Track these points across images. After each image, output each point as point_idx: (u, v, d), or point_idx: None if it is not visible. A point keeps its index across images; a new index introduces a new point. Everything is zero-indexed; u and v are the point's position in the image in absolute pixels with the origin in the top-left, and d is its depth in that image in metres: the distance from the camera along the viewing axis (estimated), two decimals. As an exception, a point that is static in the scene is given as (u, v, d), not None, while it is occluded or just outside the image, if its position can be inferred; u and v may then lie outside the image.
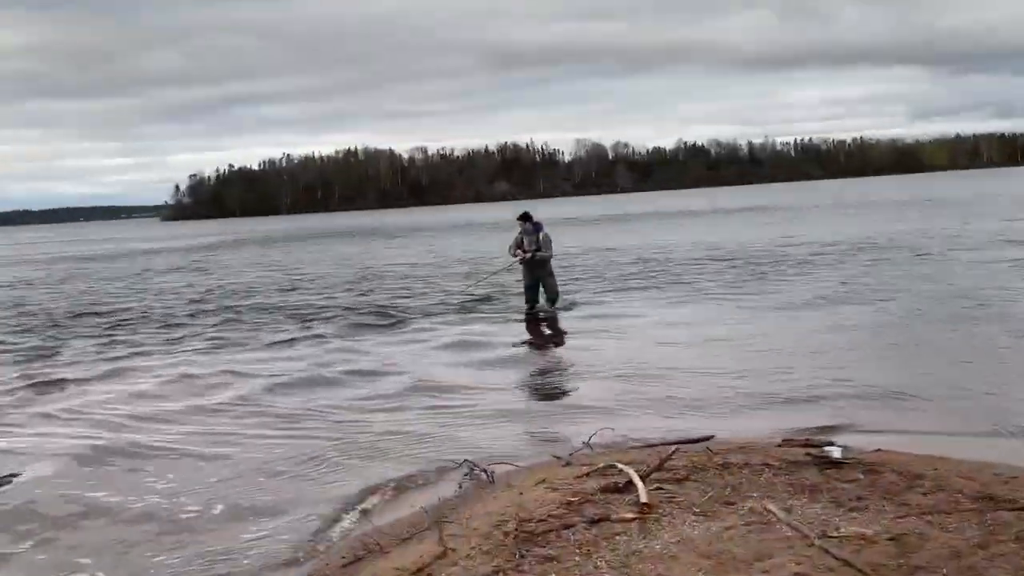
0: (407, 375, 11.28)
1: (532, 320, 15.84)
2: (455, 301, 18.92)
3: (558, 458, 7.41)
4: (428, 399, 10.04)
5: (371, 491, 6.95)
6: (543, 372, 11.37)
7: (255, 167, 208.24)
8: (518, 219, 16.69)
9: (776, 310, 15.10)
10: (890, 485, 5.90)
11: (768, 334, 12.81)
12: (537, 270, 16.49)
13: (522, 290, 16.94)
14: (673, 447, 6.65)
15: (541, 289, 16.65)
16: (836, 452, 6.63)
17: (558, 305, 16.53)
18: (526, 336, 14.45)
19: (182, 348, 14.46)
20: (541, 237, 16.34)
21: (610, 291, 19.13)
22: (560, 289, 17.19)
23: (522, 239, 16.51)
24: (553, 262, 17.04)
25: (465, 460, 7.27)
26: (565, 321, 15.48)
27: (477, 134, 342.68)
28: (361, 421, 9.18)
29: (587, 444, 7.71)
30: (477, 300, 18.76)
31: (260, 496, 7.00)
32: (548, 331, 14.96)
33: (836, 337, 12.28)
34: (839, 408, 8.71)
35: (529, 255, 16.39)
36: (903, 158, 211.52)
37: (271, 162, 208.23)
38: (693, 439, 7.68)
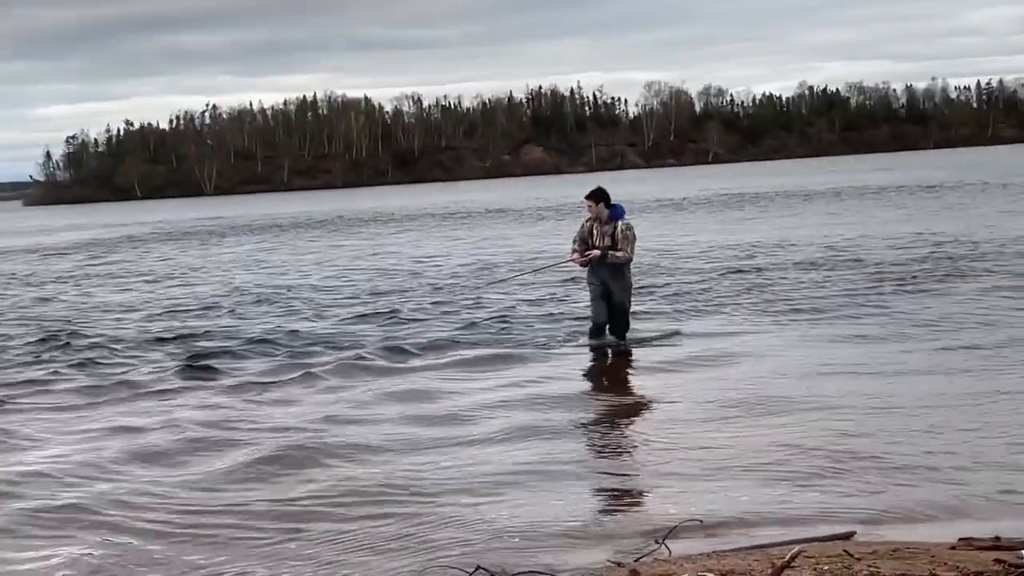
0: (367, 447, 11.39)
1: (596, 355, 16.04)
2: (457, 325, 19.12)
3: (619, 565, 7.41)
4: (422, 482, 10.10)
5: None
6: (594, 437, 11.46)
7: (164, 125, 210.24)
8: (586, 198, 16.46)
9: (962, 350, 15.12)
10: (1124, 609, 5.87)
11: (941, 383, 12.96)
12: (608, 279, 16.22)
13: (588, 308, 16.90)
14: (795, 549, 6.63)
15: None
16: (1041, 558, 6.61)
17: (629, 337, 16.42)
18: (576, 378, 14.59)
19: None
20: (619, 229, 16.07)
21: (703, 314, 19.32)
22: (635, 310, 17.01)
23: (591, 228, 16.30)
24: (633, 270, 16.81)
25: (479, 568, 7.28)
26: (641, 358, 15.71)
27: (495, 75, 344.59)
28: (316, 514, 9.23)
29: (662, 542, 7.69)
30: (503, 323, 19.01)
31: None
32: (611, 373, 15.14)
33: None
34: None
35: (595, 255, 16.09)
36: None
37: (188, 118, 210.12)
38: (824, 537, 7.66)
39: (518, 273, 22.13)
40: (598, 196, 16.20)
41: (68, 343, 19.17)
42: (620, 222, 16.06)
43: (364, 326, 19.81)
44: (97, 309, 25.19)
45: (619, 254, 15.96)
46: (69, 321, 22.93)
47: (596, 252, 16.03)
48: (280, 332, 19.35)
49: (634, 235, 16.18)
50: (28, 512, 9.38)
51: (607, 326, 16.39)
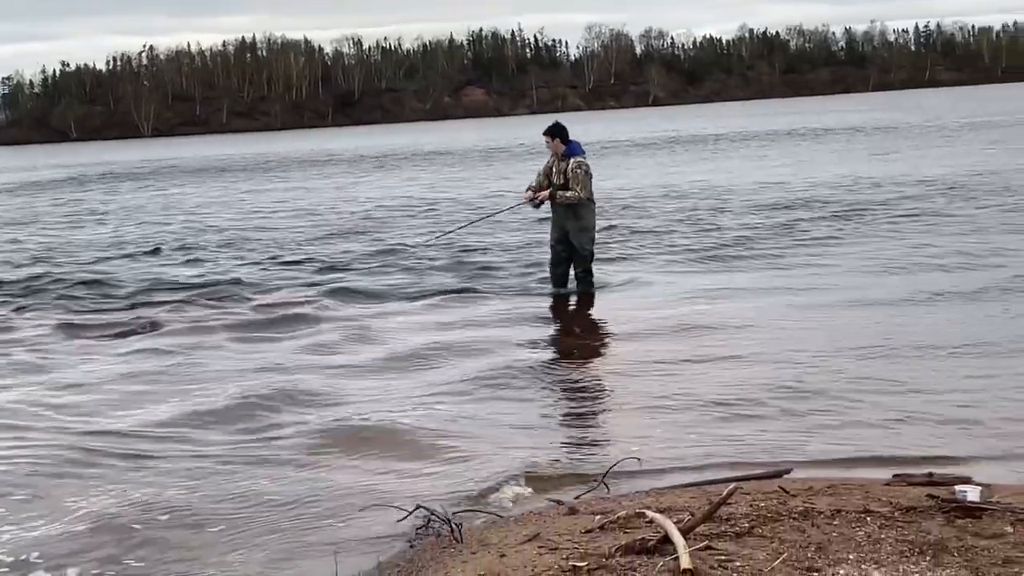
0: (330, 389, 11.38)
1: (555, 300, 15.87)
2: (410, 270, 19.03)
3: (558, 503, 7.44)
4: (365, 423, 10.08)
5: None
6: (540, 377, 11.48)
7: (101, 67, 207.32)
8: (544, 134, 15.86)
9: (895, 289, 15.31)
10: (1053, 542, 5.95)
11: (873, 324, 13.11)
12: (564, 220, 15.69)
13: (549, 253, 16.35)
14: (731, 486, 6.68)
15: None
16: (973, 492, 6.67)
17: (593, 275, 15.98)
18: (529, 323, 14.54)
19: None
20: (570, 168, 15.46)
21: (651, 258, 19.34)
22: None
23: (551, 167, 15.72)
24: (594, 209, 15.97)
25: (419, 507, 7.29)
26: (598, 304, 15.63)
27: (436, 16, 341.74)
28: (262, 459, 9.20)
29: (602, 481, 7.74)
30: (463, 269, 19.00)
31: None
32: (564, 318, 15.11)
33: (969, 326, 12.55)
34: (974, 428, 8.86)
35: (543, 195, 15.57)
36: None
37: (126, 59, 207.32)
38: (760, 474, 7.72)
39: (465, 223, 21.95)
40: (553, 131, 15.61)
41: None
42: (572, 160, 15.46)
43: (312, 271, 19.68)
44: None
45: (568, 194, 15.35)
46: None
47: (544, 192, 15.56)
48: (226, 277, 19.23)
49: (586, 173, 15.41)
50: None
51: (567, 270, 15.98)
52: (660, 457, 8.46)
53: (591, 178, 15.56)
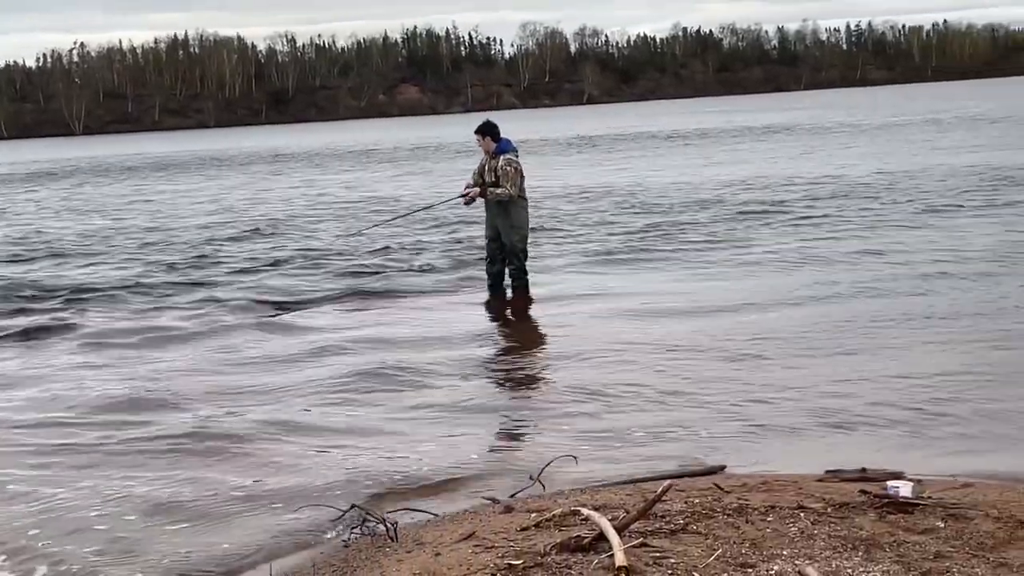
0: (258, 388, 11.36)
1: (490, 298, 15.82)
2: (341, 266, 18.98)
3: (494, 501, 7.44)
4: (295, 419, 10.09)
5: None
6: (474, 378, 11.48)
7: (31, 64, 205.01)
8: (475, 132, 15.78)
9: (818, 284, 15.46)
10: (984, 537, 6.02)
11: (804, 320, 13.25)
12: (496, 218, 15.65)
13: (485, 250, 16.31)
14: (665, 483, 6.70)
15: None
16: (905, 488, 6.73)
17: (527, 274, 15.86)
18: (462, 321, 14.52)
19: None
20: (500, 165, 15.34)
21: (583, 256, 19.36)
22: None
23: (484, 165, 15.67)
24: (527, 207, 15.89)
25: (354, 506, 7.27)
26: (533, 301, 15.59)
27: (370, 14, 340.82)
28: (188, 454, 9.14)
29: (537, 479, 7.74)
30: (394, 267, 18.92)
31: None
32: (498, 315, 15.10)
33: (903, 327, 12.72)
34: (905, 425, 8.95)
35: (474, 192, 15.59)
36: (1009, 54, 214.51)
37: (56, 56, 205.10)
38: (694, 471, 7.75)
39: (392, 217, 21.92)
40: (483, 130, 15.51)
41: None
42: (502, 157, 15.37)
43: (244, 269, 19.56)
44: None
45: (498, 191, 15.30)
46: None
47: (475, 190, 15.57)
48: (153, 279, 19.11)
49: (516, 170, 15.34)
50: None
51: (502, 268, 15.88)
52: (595, 455, 8.48)
53: (521, 175, 15.49)
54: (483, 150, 15.69)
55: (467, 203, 16.14)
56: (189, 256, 21.68)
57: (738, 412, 9.48)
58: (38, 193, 46.05)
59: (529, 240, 16.06)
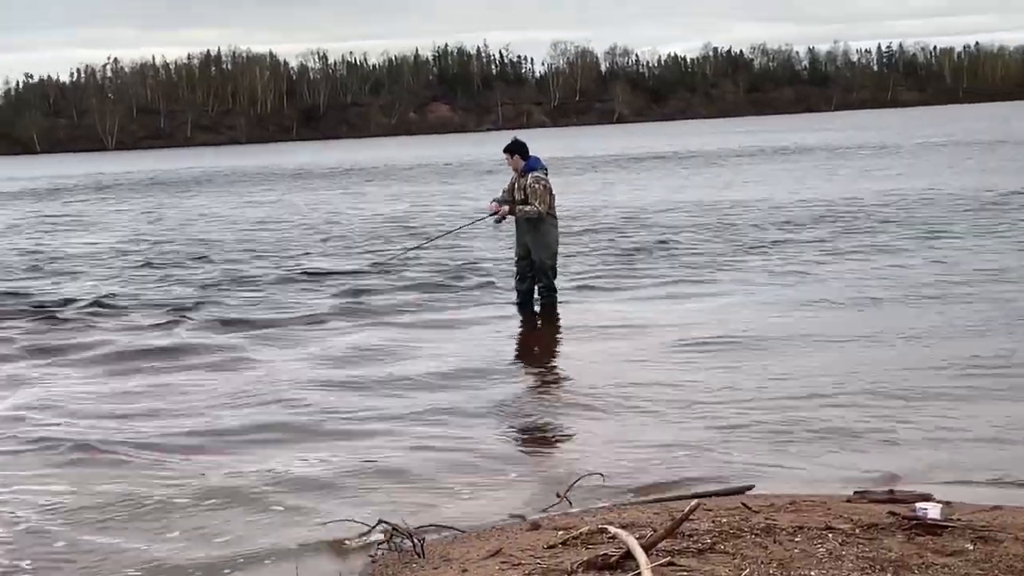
0: (285, 398, 11.35)
1: (521, 315, 15.79)
2: (368, 284, 18.99)
3: (521, 518, 7.42)
4: (322, 431, 10.11)
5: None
6: (503, 394, 11.42)
7: (65, 79, 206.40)
8: (504, 151, 15.85)
9: (845, 305, 15.42)
10: (1014, 560, 5.97)
11: (835, 339, 13.20)
12: (525, 235, 15.68)
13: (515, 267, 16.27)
14: (693, 502, 6.68)
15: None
16: (934, 510, 6.69)
17: (556, 291, 15.92)
18: (493, 337, 14.51)
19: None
20: (528, 183, 15.35)
21: (612, 274, 19.34)
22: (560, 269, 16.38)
23: (513, 184, 15.71)
24: (556, 225, 15.92)
25: (381, 521, 7.26)
26: (562, 319, 15.56)
27: (402, 31, 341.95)
28: (220, 464, 9.14)
29: (564, 497, 7.73)
30: (424, 284, 18.90)
31: None
32: (528, 332, 15.06)
33: (936, 348, 12.68)
34: (935, 446, 8.91)
35: (503, 211, 15.54)
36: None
37: (90, 72, 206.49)
38: (722, 490, 7.72)
39: (425, 241, 21.90)
40: (512, 149, 15.55)
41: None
42: (531, 175, 15.37)
43: (285, 286, 19.52)
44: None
45: (527, 209, 15.29)
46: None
47: (504, 208, 15.54)
48: (209, 292, 19.20)
49: (544, 188, 15.33)
50: None
51: (530, 286, 15.91)
52: (623, 472, 8.45)
53: (550, 193, 15.48)
54: (512, 168, 15.72)
55: (496, 222, 16.11)
56: (217, 270, 21.77)
57: (766, 431, 9.44)
58: (91, 205, 46.31)
59: (559, 258, 16.08)
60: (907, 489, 7.50)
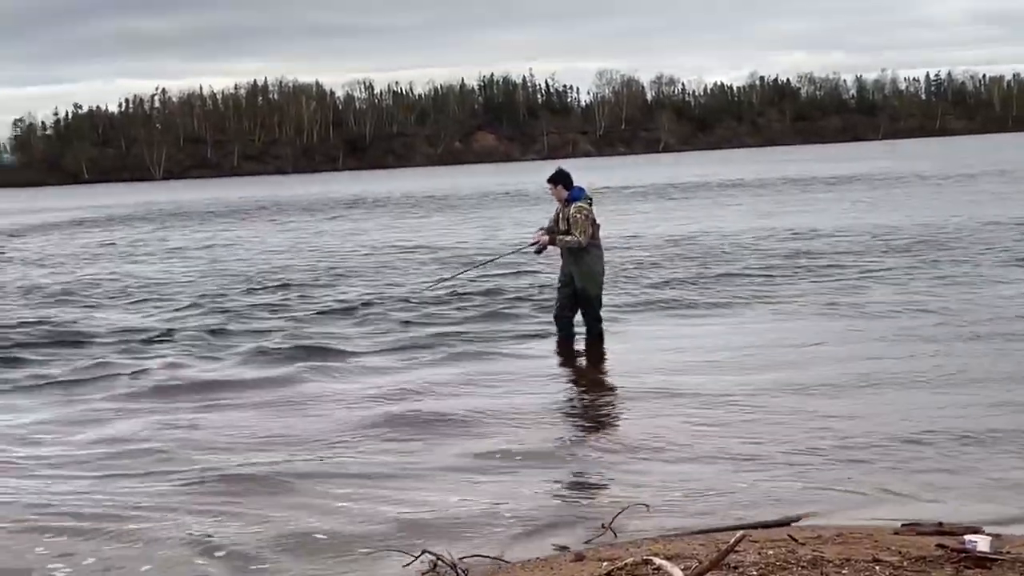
0: (328, 436, 11.38)
1: (562, 344, 15.79)
2: (408, 315, 18.99)
3: (565, 549, 7.41)
4: (368, 460, 10.15)
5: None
6: (547, 424, 11.46)
7: (113, 109, 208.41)
8: (548, 182, 15.93)
9: (897, 339, 15.32)
10: (1063, 593, 5.92)
11: (877, 370, 13.14)
12: (569, 265, 15.68)
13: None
14: (738, 533, 6.66)
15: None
16: (983, 543, 6.64)
17: (601, 322, 15.90)
18: (537, 366, 14.52)
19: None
20: (571, 213, 15.37)
21: (657, 304, 19.30)
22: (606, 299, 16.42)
23: (558, 214, 15.65)
24: (601, 255, 15.86)
25: (425, 552, 7.27)
26: (607, 347, 15.56)
27: (447, 61, 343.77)
28: (257, 495, 9.18)
29: (609, 528, 7.71)
30: (476, 313, 18.98)
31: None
32: (572, 361, 15.09)
33: (993, 383, 12.55)
34: (983, 477, 8.85)
35: (544, 240, 15.58)
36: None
37: (138, 102, 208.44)
38: (769, 522, 7.68)
39: (467, 268, 21.89)
40: (556, 179, 15.65)
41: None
42: (573, 205, 15.41)
43: (330, 318, 19.54)
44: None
45: (568, 238, 15.31)
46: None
47: (545, 238, 15.58)
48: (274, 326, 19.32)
49: (586, 217, 15.32)
50: None
51: (572, 316, 15.89)
52: (668, 503, 8.44)
53: (593, 222, 15.47)
54: (555, 198, 15.77)
55: (537, 252, 16.10)
56: (250, 303, 21.86)
57: (813, 462, 9.40)
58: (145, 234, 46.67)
59: (604, 287, 16.09)
60: (956, 521, 7.45)
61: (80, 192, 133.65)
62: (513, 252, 20.04)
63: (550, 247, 15.68)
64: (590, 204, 15.58)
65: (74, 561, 7.73)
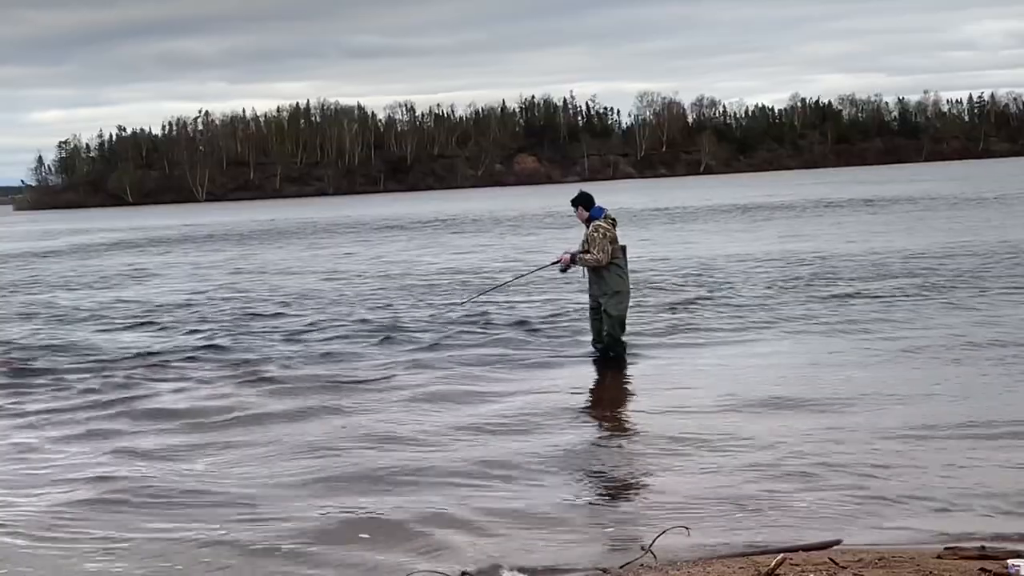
0: (360, 445, 11.47)
1: (596, 363, 15.87)
2: (435, 336, 18.99)
3: (604, 572, 7.40)
4: (396, 480, 10.18)
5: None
6: (582, 446, 11.43)
7: (156, 131, 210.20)
8: (572, 204, 16.27)
9: (934, 359, 15.22)
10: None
11: (920, 395, 13.08)
12: (592, 284, 15.99)
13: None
14: (779, 556, 6.63)
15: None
16: (1026, 567, 6.60)
17: (622, 342, 16.05)
18: (571, 386, 14.52)
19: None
20: (589, 232, 15.69)
21: (690, 324, 19.25)
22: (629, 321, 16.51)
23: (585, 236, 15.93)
24: (623, 274, 16.00)
25: (464, 574, 7.27)
26: (637, 367, 15.62)
27: (488, 83, 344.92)
28: (296, 516, 9.21)
29: (648, 550, 7.69)
30: (506, 332, 19.03)
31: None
32: (604, 380, 15.10)
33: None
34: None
35: (565, 259, 15.89)
36: None
37: (181, 124, 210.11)
38: (809, 545, 7.65)
39: (495, 285, 21.96)
40: (577, 201, 16.03)
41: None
42: (592, 224, 15.73)
43: (369, 340, 19.57)
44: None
45: (586, 257, 15.63)
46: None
47: (566, 256, 15.91)
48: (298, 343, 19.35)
49: (604, 236, 15.59)
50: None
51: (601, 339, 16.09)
52: (708, 526, 8.41)
53: (612, 241, 15.67)
54: (580, 220, 16.08)
55: (561, 271, 16.43)
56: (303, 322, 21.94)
57: (854, 484, 9.35)
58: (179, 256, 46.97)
59: (629, 307, 16.23)
60: (998, 546, 7.39)
61: (125, 214, 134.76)
62: (537, 270, 20.21)
63: (573, 266, 15.94)
64: (612, 224, 15.86)
65: None
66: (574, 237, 17.71)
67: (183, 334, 20.78)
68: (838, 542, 7.73)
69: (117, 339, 20.40)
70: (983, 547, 7.32)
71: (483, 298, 21.85)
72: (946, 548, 7.41)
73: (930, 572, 6.73)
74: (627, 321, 16.31)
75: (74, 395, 15.02)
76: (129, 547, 8.57)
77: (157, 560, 8.25)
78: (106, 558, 8.36)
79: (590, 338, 16.44)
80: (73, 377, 16.31)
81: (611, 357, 15.89)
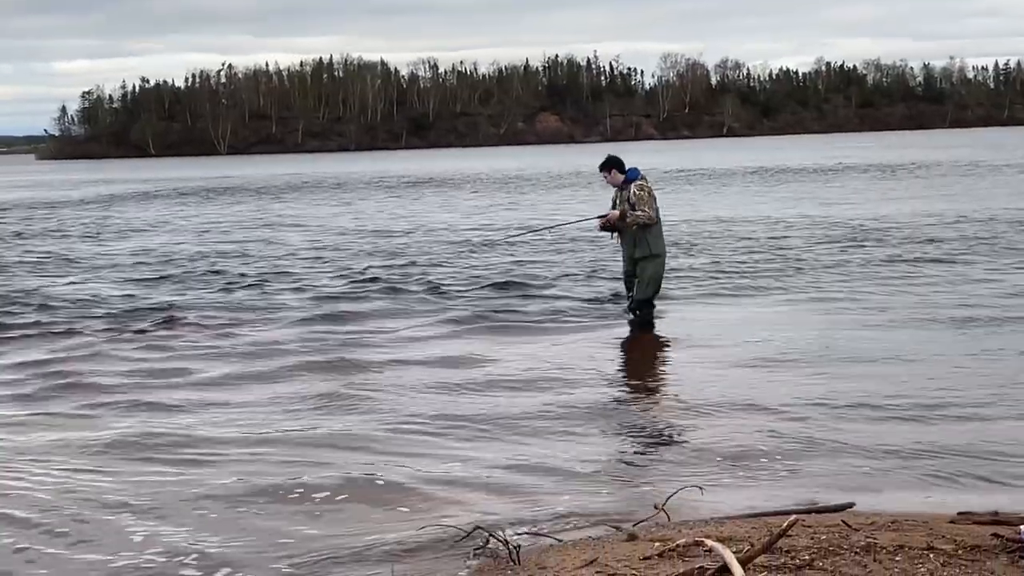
0: (380, 405, 11.49)
1: (629, 326, 15.81)
2: (468, 291, 19.06)
3: (617, 529, 7.41)
4: (415, 436, 10.21)
5: None
6: (603, 404, 11.43)
7: (179, 83, 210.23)
8: (600, 169, 15.99)
9: (956, 323, 15.17)
10: (1121, 586, 5.86)
11: (941, 358, 13.03)
12: (632, 248, 15.65)
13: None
14: (792, 517, 6.63)
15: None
16: (1040, 533, 6.59)
17: (652, 303, 15.87)
18: (596, 347, 14.51)
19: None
20: (633, 192, 15.33)
21: (719, 285, 19.24)
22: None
23: (615, 200, 15.74)
24: (665, 237, 16.08)
25: (477, 528, 7.29)
26: (665, 330, 15.57)
27: (512, 41, 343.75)
28: (316, 462, 9.24)
29: (661, 508, 7.70)
30: (521, 289, 19.06)
31: None
32: (631, 343, 15.04)
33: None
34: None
35: (614, 215, 15.49)
36: None
37: (204, 76, 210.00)
38: (822, 507, 7.65)
39: (528, 230, 21.98)
40: (609, 164, 15.65)
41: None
42: (634, 184, 15.40)
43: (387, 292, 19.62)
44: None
45: (638, 213, 15.26)
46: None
47: (615, 212, 15.50)
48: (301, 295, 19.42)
49: (650, 194, 15.40)
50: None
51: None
52: (721, 486, 8.43)
53: (655, 199, 15.54)
54: (611, 184, 15.81)
55: (602, 228, 15.99)
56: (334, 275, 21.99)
57: (869, 449, 9.34)
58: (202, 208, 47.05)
59: (665, 269, 16.19)
60: (1011, 511, 7.39)
61: (146, 165, 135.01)
62: (578, 221, 20.11)
63: (613, 231, 15.73)
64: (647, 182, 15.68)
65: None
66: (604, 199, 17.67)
67: (203, 287, 20.84)
68: (851, 505, 7.73)
69: (131, 291, 20.46)
70: (996, 512, 7.32)
71: (515, 259, 21.80)
72: (959, 513, 7.42)
73: (942, 536, 6.72)
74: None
75: (80, 346, 15.12)
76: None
77: (163, 506, 8.29)
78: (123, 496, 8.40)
79: (623, 304, 16.40)
80: (81, 325, 16.45)
81: (638, 316, 15.80)
